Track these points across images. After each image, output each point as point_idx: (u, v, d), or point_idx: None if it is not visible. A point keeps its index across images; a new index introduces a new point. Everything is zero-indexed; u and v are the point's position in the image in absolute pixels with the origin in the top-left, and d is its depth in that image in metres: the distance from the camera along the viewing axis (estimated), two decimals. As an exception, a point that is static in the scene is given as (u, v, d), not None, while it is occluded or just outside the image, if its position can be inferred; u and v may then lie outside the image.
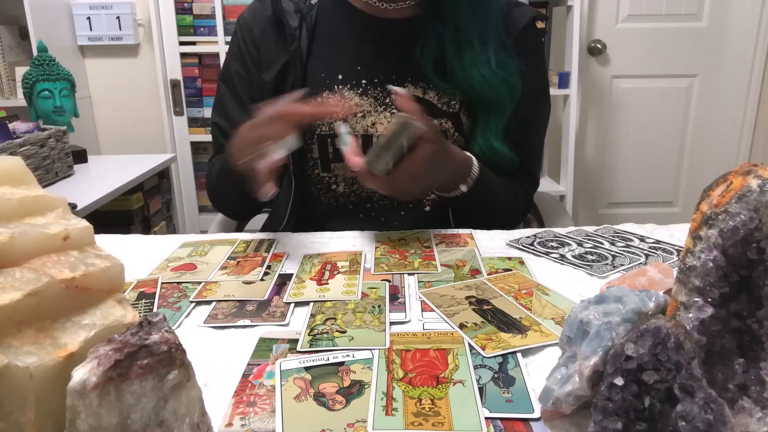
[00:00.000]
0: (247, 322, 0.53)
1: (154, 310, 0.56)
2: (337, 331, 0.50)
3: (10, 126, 1.52)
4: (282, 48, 0.86)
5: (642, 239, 0.72)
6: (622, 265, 0.64)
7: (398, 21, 0.86)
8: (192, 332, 0.52)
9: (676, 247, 0.68)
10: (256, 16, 0.89)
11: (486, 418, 0.38)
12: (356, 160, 0.67)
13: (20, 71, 2.12)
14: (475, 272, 0.63)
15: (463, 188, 0.80)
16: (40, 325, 0.32)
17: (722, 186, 0.36)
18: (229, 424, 0.39)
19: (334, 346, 0.48)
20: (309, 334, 0.50)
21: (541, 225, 1.01)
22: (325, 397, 0.41)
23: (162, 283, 0.62)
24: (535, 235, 0.74)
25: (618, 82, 2.53)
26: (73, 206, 1.40)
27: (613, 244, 0.70)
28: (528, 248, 0.70)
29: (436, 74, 0.84)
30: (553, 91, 2.21)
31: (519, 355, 0.46)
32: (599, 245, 0.70)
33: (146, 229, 1.92)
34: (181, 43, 2.24)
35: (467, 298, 0.56)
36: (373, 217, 0.88)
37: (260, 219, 1.05)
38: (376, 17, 0.86)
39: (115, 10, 2.37)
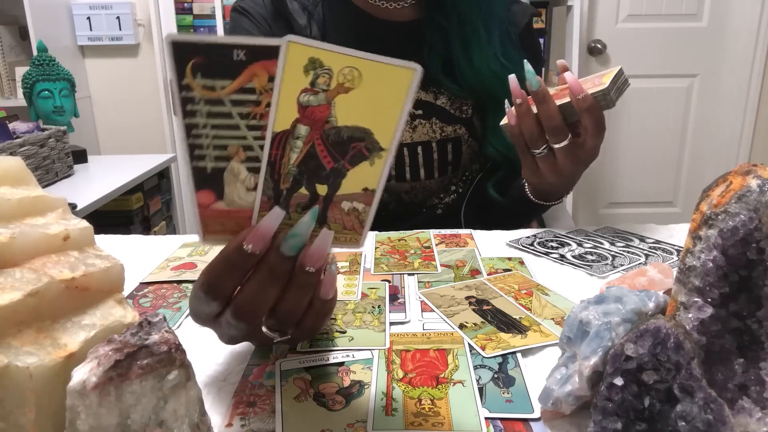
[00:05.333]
0: (247, 322, 0.53)
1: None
2: (337, 331, 0.50)
3: (10, 126, 1.52)
4: None
5: (642, 239, 0.72)
6: (621, 265, 0.64)
7: (403, 24, 0.85)
8: (192, 332, 0.52)
9: (676, 247, 0.68)
10: (257, 10, 0.86)
11: (486, 419, 0.38)
12: (583, 88, 0.63)
13: (20, 71, 2.12)
14: (475, 272, 0.63)
15: (564, 198, 0.79)
16: (40, 325, 0.32)
17: (722, 186, 0.36)
18: (229, 424, 0.39)
19: (334, 346, 0.48)
20: (309, 334, 0.50)
21: (541, 225, 1.01)
22: (325, 397, 0.41)
23: (162, 282, 0.62)
24: (535, 235, 0.74)
25: (618, 82, 2.53)
26: (73, 206, 1.40)
27: (613, 244, 0.70)
28: (528, 248, 0.70)
29: (445, 76, 0.83)
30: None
31: (519, 355, 0.46)
32: (599, 245, 0.70)
33: (146, 229, 1.92)
34: (181, 43, 2.24)
35: (467, 298, 0.56)
36: (389, 222, 0.88)
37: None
38: (381, 20, 0.85)
39: (115, 10, 2.37)
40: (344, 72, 0.33)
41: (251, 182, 0.37)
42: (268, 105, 0.35)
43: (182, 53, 0.33)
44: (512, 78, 0.67)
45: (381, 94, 0.34)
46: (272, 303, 0.37)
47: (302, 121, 0.35)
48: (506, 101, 0.70)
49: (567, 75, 0.65)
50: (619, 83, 0.65)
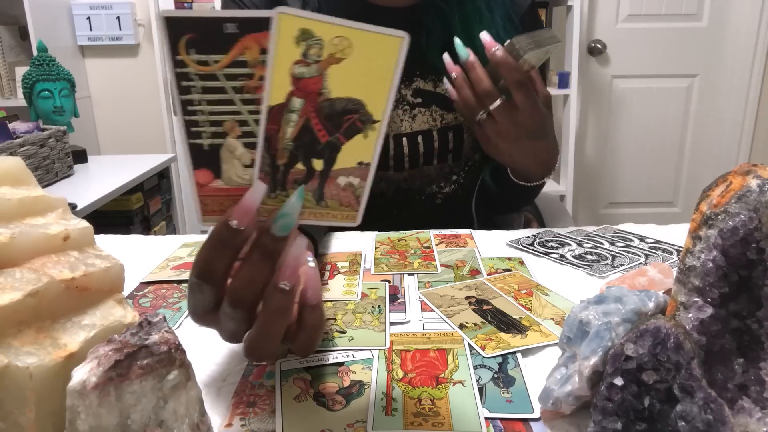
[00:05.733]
0: (247, 322, 0.53)
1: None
2: (337, 331, 0.50)
3: (10, 126, 1.52)
4: None
5: (642, 239, 0.72)
6: (621, 265, 0.64)
7: (401, 10, 0.83)
8: (192, 332, 0.52)
9: (676, 247, 0.68)
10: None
11: (486, 419, 0.38)
12: (496, 45, 0.65)
13: (20, 71, 2.12)
14: (475, 272, 0.63)
15: (546, 180, 0.80)
16: (40, 325, 0.32)
17: (722, 186, 0.36)
18: (229, 424, 0.39)
19: (334, 346, 0.48)
20: (309, 334, 0.50)
21: (542, 225, 1.01)
22: (325, 397, 0.41)
23: (162, 282, 0.62)
24: (535, 236, 0.74)
25: (618, 82, 2.53)
26: (73, 206, 1.40)
27: (613, 244, 0.70)
28: (528, 248, 0.70)
29: (443, 63, 0.83)
30: (553, 91, 2.21)
31: (519, 355, 0.46)
32: (599, 245, 0.70)
33: (146, 229, 1.92)
34: (181, 43, 2.25)
35: (467, 298, 0.56)
36: (387, 211, 0.87)
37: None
38: (379, 6, 0.83)
39: (115, 10, 2.37)
40: (335, 42, 0.34)
41: (248, 158, 0.37)
42: (261, 78, 0.35)
43: (175, 29, 0.34)
44: (446, 56, 0.70)
45: (371, 64, 0.34)
46: (266, 284, 0.37)
47: (296, 94, 0.35)
48: (444, 79, 0.73)
49: (482, 34, 0.67)
50: (540, 38, 0.65)
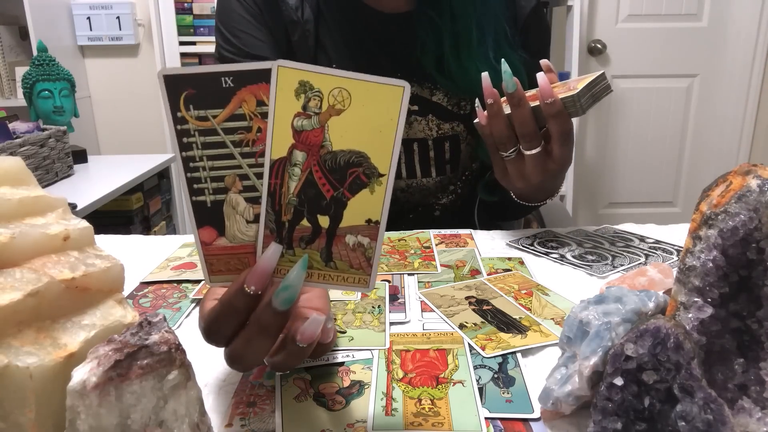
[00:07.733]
0: (247, 322, 0.53)
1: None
2: (337, 331, 0.50)
3: (10, 126, 1.52)
4: (276, 36, 0.80)
5: (642, 239, 0.72)
6: (621, 265, 0.64)
7: (398, 16, 0.82)
8: (192, 332, 0.52)
9: (676, 247, 0.68)
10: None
11: (486, 419, 0.38)
12: (554, 92, 0.60)
13: (20, 71, 2.12)
14: (475, 272, 0.63)
15: (549, 201, 0.77)
16: (40, 325, 0.32)
17: (722, 186, 0.36)
18: (229, 425, 0.39)
19: (334, 346, 0.48)
20: (309, 334, 0.50)
21: (542, 225, 1.01)
22: (325, 397, 0.41)
23: (162, 282, 0.62)
24: (534, 236, 0.74)
25: (618, 82, 2.53)
26: (73, 206, 1.40)
27: (613, 244, 0.70)
28: (528, 248, 0.70)
29: (438, 72, 0.80)
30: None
31: (519, 355, 0.46)
32: (599, 245, 0.70)
33: (146, 229, 1.92)
34: (181, 43, 2.25)
35: (467, 298, 0.56)
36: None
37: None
38: (378, 11, 0.82)
39: (115, 10, 2.37)
40: (334, 93, 0.34)
41: (250, 214, 0.36)
42: (259, 131, 0.35)
43: (174, 86, 0.34)
44: (485, 76, 0.64)
45: (372, 115, 0.34)
46: (266, 355, 0.36)
47: (298, 147, 0.35)
48: (477, 100, 0.67)
49: (539, 76, 0.62)
50: (597, 90, 0.61)
